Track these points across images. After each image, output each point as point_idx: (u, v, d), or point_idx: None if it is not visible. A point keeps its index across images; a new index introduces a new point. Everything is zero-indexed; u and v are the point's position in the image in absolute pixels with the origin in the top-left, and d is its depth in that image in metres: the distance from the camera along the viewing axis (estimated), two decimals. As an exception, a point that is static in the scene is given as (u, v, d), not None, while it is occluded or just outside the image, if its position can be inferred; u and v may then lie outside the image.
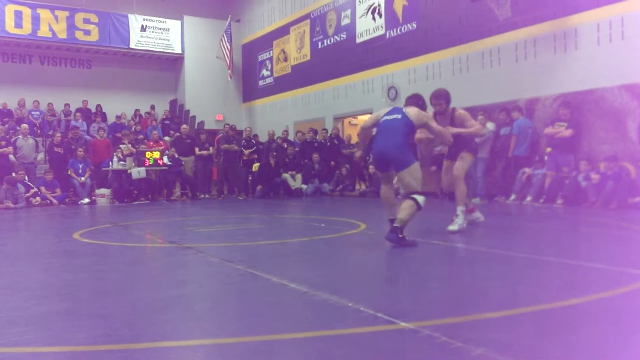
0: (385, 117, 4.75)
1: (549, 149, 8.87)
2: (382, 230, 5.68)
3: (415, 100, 5.02)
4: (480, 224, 5.61)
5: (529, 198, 8.82)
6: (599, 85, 8.38)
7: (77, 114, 15.17)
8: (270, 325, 2.43)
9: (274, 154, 12.97)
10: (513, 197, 9.14)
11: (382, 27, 12.76)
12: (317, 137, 13.59)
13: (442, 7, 11.18)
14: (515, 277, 3.45)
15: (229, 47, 17.43)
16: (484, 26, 10.20)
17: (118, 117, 15.72)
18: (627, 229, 5.67)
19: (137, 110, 16.74)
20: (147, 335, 2.34)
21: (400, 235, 4.44)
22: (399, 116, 4.67)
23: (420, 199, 4.55)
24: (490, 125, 9.70)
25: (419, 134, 5.50)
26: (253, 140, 13.75)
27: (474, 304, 2.77)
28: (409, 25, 12.01)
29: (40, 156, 11.68)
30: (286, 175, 12.86)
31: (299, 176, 12.93)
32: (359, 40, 13.52)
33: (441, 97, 5.45)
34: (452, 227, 5.32)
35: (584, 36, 8.70)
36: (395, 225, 4.46)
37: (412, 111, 4.73)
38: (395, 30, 12.40)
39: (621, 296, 2.85)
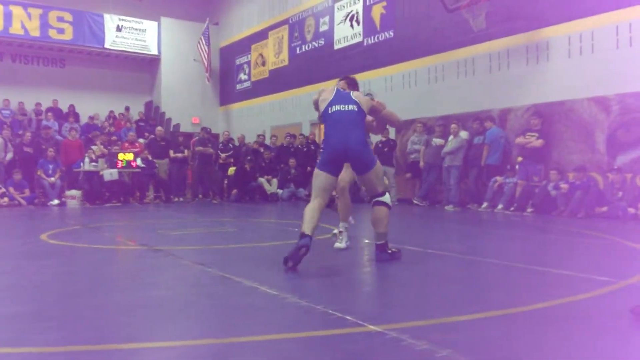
0: (337, 107, 4.05)
1: (520, 159, 9.05)
2: (355, 235, 5.70)
3: (355, 82, 4.54)
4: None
5: (500, 206, 8.97)
6: (569, 97, 8.59)
7: (49, 113, 14.87)
8: (239, 328, 2.42)
9: (249, 158, 12.92)
10: (485, 205, 9.29)
11: (359, 34, 12.87)
12: (295, 142, 13.59)
13: (418, 16, 11.33)
14: (484, 282, 3.50)
15: (206, 50, 17.32)
16: (459, 37, 10.36)
17: (91, 118, 15.46)
18: (593, 237, 5.81)
19: (111, 111, 16.48)
20: (114, 337, 2.31)
21: (389, 251, 4.15)
22: (355, 107, 4.04)
23: (387, 197, 4.21)
24: (464, 134, 9.86)
25: None
26: (230, 144, 13.67)
27: (441, 307, 2.81)
28: (386, 33, 12.13)
29: (9, 155, 11.39)
30: (262, 180, 12.81)
31: (274, 181, 12.89)
32: (337, 46, 13.60)
33: (351, 83, 4.60)
34: (338, 245, 4.81)
35: (556, 49, 8.91)
36: (378, 243, 4.13)
37: (361, 98, 4.16)
38: (372, 37, 12.51)
39: (587, 301, 2.92)
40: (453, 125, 9.94)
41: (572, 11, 8.68)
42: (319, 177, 4.06)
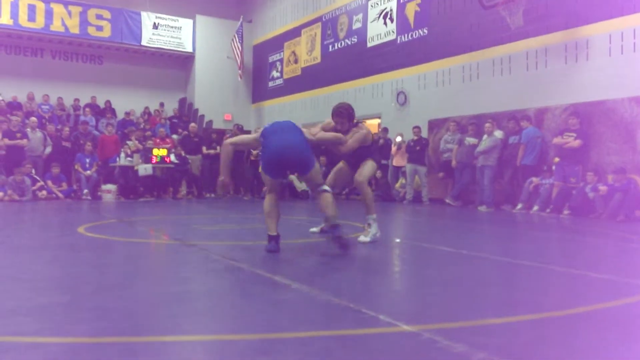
0: (273, 122, 4.47)
1: (557, 159, 8.82)
2: (386, 233, 5.66)
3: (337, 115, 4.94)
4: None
5: (535, 207, 8.77)
6: (609, 96, 8.34)
7: (87, 109, 15.25)
8: (271, 324, 2.42)
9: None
10: (520, 206, 9.10)
11: (393, 32, 12.76)
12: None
13: (453, 14, 11.17)
14: (519, 284, 3.42)
15: (240, 48, 17.47)
16: (496, 34, 10.18)
17: (127, 114, 15.79)
18: (633, 241, 5.63)
19: (146, 107, 16.81)
20: (148, 330, 2.34)
21: (339, 234, 4.28)
22: (289, 120, 4.51)
23: (327, 187, 4.47)
24: (499, 134, 9.68)
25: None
26: (261, 142, 13.74)
27: (475, 309, 2.75)
28: (420, 31, 12.00)
29: (48, 150, 11.72)
30: (292, 177, 12.84)
31: (305, 178, 12.91)
32: (369, 44, 13.52)
33: (343, 115, 4.93)
34: (363, 239, 4.97)
35: (596, 47, 8.66)
36: (333, 224, 4.28)
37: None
38: (406, 35, 12.39)
39: (625, 306, 2.83)
40: (487, 125, 9.76)
41: (612, 9, 8.42)
42: (265, 178, 4.51)
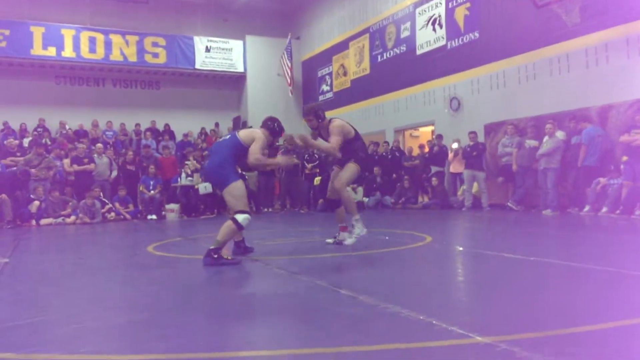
0: (219, 140, 4.98)
1: (625, 158, 8.42)
2: (450, 243, 5.57)
3: (263, 122, 5.13)
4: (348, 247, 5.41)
5: (604, 209, 8.39)
6: (680, 89, 7.91)
7: (147, 132, 15.88)
8: (342, 337, 2.43)
9: (334, 168, 13.01)
10: (587, 208, 8.73)
11: (442, 37, 12.63)
12: (379, 150, 13.55)
13: (505, 15, 10.94)
14: (596, 291, 3.28)
15: (289, 64, 17.77)
16: (551, 33, 9.89)
17: (185, 135, 16.33)
18: None
19: (202, 128, 17.33)
20: (223, 345, 2.40)
21: (215, 256, 4.48)
22: (227, 136, 4.91)
23: (241, 217, 4.53)
24: (560, 134, 9.35)
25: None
26: (316, 155, 13.87)
27: (549, 318, 2.66)
28: (471, 34, 11.82)
29: (114, 174, 12.28)
30: (348, 189, 12.85)
31: (360, 189, 12.91)
32: (419, 52, 13.43)
33: (309, 113, 5.32)
34: (349, 241, 5.26)
35: (661, 38, 8.26)
36: (210, 247, 4.53)
37: (242, 133, 4.87)
38: (456, 40, 12.24)
39: None
40: (548, 126, 9.45)
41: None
42: None
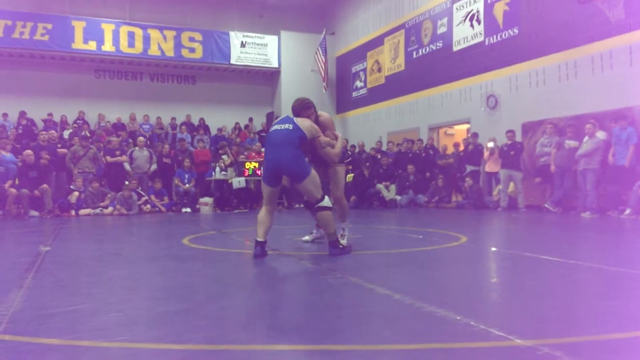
0: (275, 127, 4.70)
1: (670, 160, 8.14)
2: (485, 243, 5.49)
3: (307, 108, 4.87)
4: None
5: (646, 212, 8.13)
6: None
7: (183, 127, 16.14)
8: (379, 336, 2.42)
9: (367, 164, 12.97)
10: (628, 211, 8.46)
11: (481, 33, 12.42)
12: (413, 148, 13.44)
13: (546, 10, 10.68)
14: (637, 298, 3.17)
15: (323, 60, 17.76)
16: (593, 30, 9.60)
17: (219, 130, 16.52)
18: None
19: (237, 123, 17.51)
20: (256, 338, 2.42)
21: (341, 246, 4.69)
22: (290, 126, 4.60)
23: (326, 201, 4.64)
24: (601, 135, 9.09)
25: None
26: (349, 152, 13.84)
27: (590, 323, 2.59)
28: (510, 30, 11.58)
29: (154, 167, 12.50)
30: (380, 186, 12.81)
31: (393, 187, 12.83)
32: (455, 48, 13.24)
33: (310, 106, 4.98)
34: (342, 242, 5.17)
35: None
36: (330, 241, 4.66)
37: (304, 123, 4.67)
38: (495, 36, 12.01)
39: None
40: (588, 125, 9.19)
41: None
42: (264, 189, 4.82)
